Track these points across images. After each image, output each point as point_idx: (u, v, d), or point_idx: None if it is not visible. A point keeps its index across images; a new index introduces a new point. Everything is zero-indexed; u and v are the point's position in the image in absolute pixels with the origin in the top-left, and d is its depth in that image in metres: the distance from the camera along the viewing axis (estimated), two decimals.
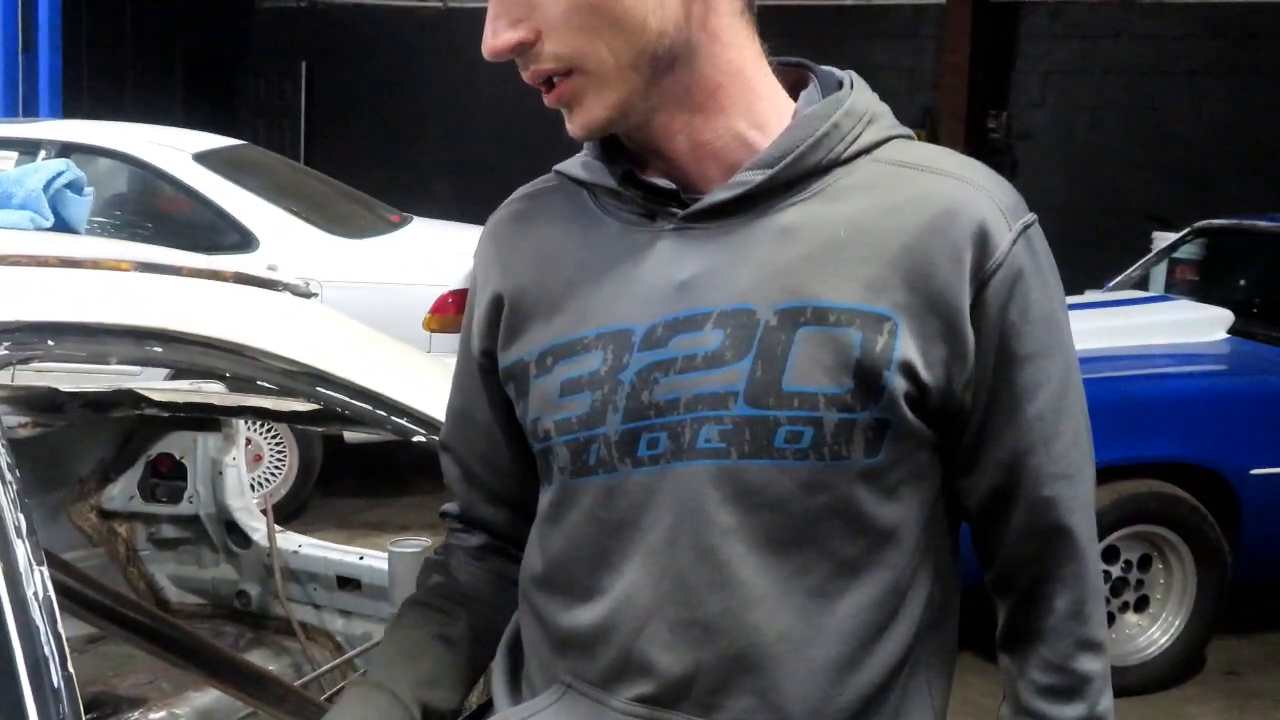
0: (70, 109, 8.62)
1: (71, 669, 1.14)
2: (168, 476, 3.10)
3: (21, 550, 1.16)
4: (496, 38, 1.10)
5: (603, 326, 1.15)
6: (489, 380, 1.29)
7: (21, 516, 1.17)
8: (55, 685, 1.13)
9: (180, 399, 2.80)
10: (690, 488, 1.11)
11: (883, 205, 1.12)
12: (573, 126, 1.13)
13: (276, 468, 5.39)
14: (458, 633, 1.32)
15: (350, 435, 5.24)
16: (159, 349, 1.42)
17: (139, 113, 6.69)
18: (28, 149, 5.63)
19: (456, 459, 1.36)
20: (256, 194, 5.62)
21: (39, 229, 1.60)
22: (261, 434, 5.33)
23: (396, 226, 6.11)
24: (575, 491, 1.17)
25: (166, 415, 2.78)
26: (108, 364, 1.40)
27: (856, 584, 1.12)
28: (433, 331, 5.18)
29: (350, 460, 5.45)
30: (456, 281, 5.33)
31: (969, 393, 1.12)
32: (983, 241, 1.09)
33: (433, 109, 11.07)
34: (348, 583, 2.86)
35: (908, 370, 1.08)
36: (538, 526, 1.25)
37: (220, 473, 3.06)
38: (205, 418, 2.96)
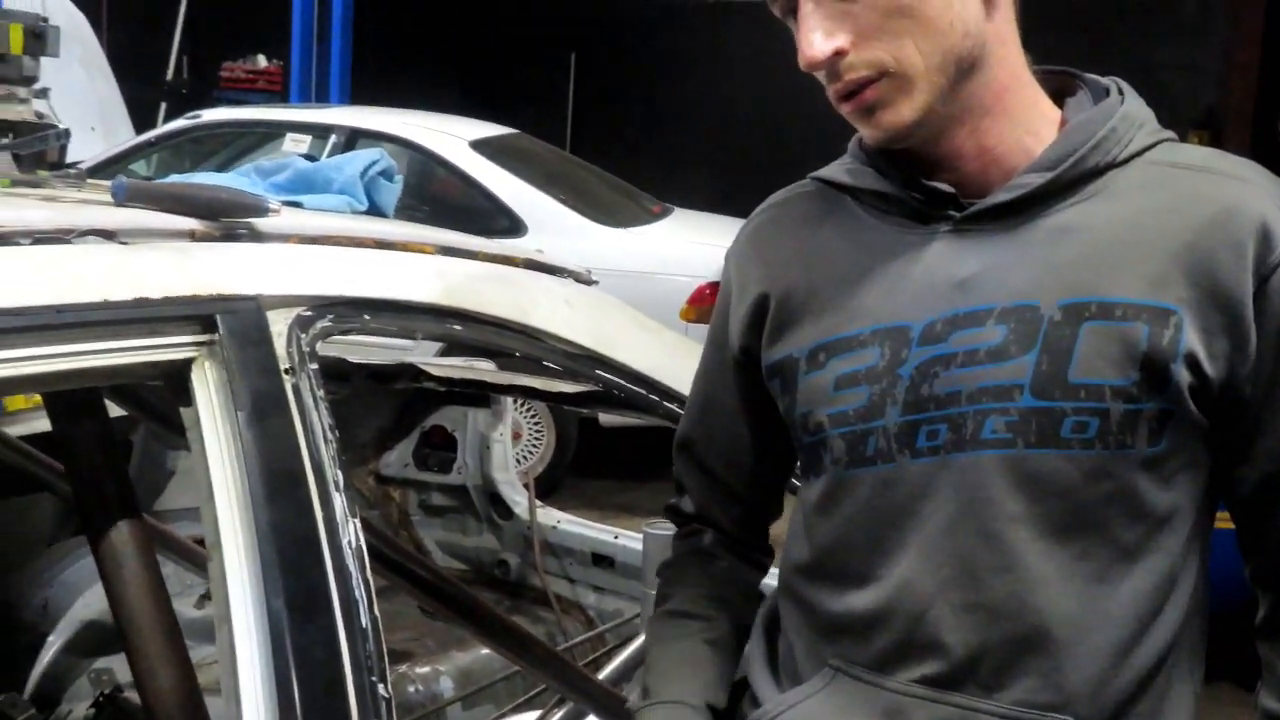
0: (356, 96, 9.13)
1: (378, 612, 1.26)
2: (439, 447, 3.29)
3: (340, 502, 1.28)
4: (814, 48, 1.14)
5: (878, 323, 1.20)
6: (744, 377, 1.34)
7: (340, 472, 1.30)
8: (363, 625, 1.25)
9: (455, 375, 2.97)
10: (975, 477, 1.15)
11: (1161, 204, 1.15)
12: (874, 131, 1.17)
13: (534, 446, 5.60)
14: (720, 636, 1.38)
15: (605, 418, 5.40)
16: (459, 327, 1.54)
17: (418, 100, 7.03)
18: (320, 133, 6.03)
19: (696, 457, 1.42)
20: (527, 181, 5.85)
21: (355, 212, 1.74)
22: (521, 413, 5.55)
23: (658, 217, 6.25)
24: (851, 482, 1.22)
25: (442, 390, 2.95)
26: (414, 339, 1.52)
27: (1135, 569, 1.15)
28: (689, 322, 5.28)
29: (604, 443, 5.61)
30: (714, 273, 5.42)
31: (1248, 385, 1.14)
32: (1265, 237, 1.12)
33: (696, 101, 11.20)
34: (602, 560, 2.98)
35: (1192, 363, 1.11)
36: (805, 517, 1.30)
37: (488, 447, 3.23)
38: (477, 394, 3.13)
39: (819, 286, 1.25)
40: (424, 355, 2.95)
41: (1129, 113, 1.19)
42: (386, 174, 1.76)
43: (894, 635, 1.20)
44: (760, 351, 1.30)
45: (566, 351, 1.65)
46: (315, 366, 1.34)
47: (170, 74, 10.18)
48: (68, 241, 1.29)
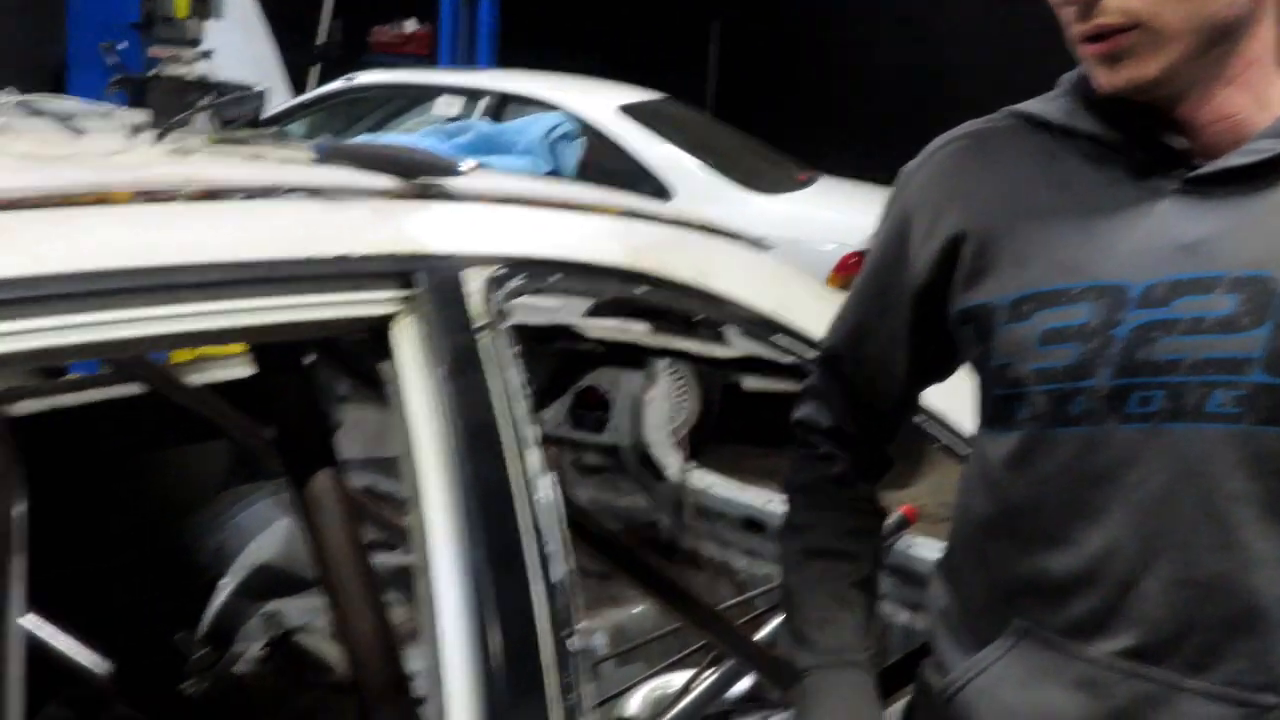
0: (503, 60, 9.21)
1: (571, 564, 1.29)
2: (593, 407, 3.34)
3: (534, 458, 1.31)
4: None
5: (1093, 280, 1.16)
6: (918, 310, 1.31)
7: (534, 429, 1.32)
8: (556, 580, 1.27)
9: (612, 336, 2.99)
10: (1196, 449, 1.12)
11: None
12: (1113, 79, 1.14)
13: (678, 409, 5.62)
14: (866, 575, 1.40)
15: (749, 383, 5.40)
16: (643, 290, 1.55)
17: (563, 64, 7.07)
18: (471, 96, 6.11)
19: (841, 373, 1.40)
20: (676, 145, 5.85)
21: (537, 173, 1.77)
22: (667, 376, 5.57)
23: (804, 184, 6.21)
24: (1051, 440, 1.19)
25: (598, 351, 2.98)
26: (600, 300, 1.54)
27: None
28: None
29: (746, 408, 5.61)
30: (860, 242, 5.38)
31: None
32: None
33: (840, 69, 11.06)
34: (753, 524, 2.98)
35: None
36: (989, 470, 1.26)
37: (641, 408, 3.26)
38: (632, 355, 3.15)
39: (1025, 232, 1.21)
40: (571, 315, 2.98)
41: None
42: (568, 136, 1.78)
43: (1093, 603, 1.17)
44: (949, 292, 1.27)
45: (746, 317, 1.66)
46: (508, 325, 1.37)
47: (322, 38, 10.38)
48: (276, 198, 1.33)
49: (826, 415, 1.42)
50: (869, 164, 7.20)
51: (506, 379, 1.33)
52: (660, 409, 3.29)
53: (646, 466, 3.24)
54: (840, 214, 5.72)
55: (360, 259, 1.30)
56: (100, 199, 1.20)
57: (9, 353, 1.07)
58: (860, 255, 5.35)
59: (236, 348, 5.69)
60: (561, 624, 1.26)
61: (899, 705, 1.45)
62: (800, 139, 8.35)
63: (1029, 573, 1.22)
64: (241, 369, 2.79)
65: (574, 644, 1.27)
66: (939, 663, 1.33)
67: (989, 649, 1.26)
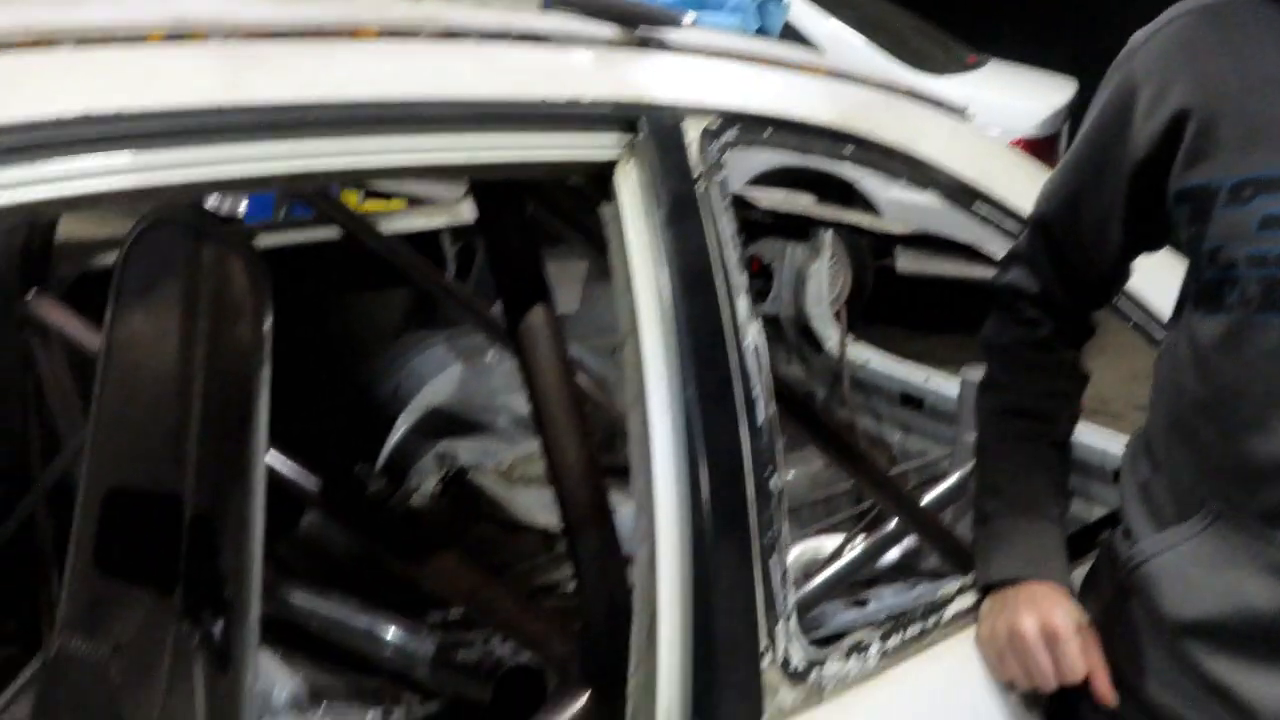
0: None
1: (774, 410, 1.34)
2: (756, 277, 3.37)
3: (743, 304, 1.35)
4: None
5: None
6: (1135, 183, 1.30)
7: (744, 278, 1.37)
8: (760, 422, 1.32)
9: (780, 207, 3.01)
10: None
11: None
12: None
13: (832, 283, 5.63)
14: (1063, 437, 1.43)
15: (902, 264, 5.37)
16: (850, 149, 1.57)
17: None
18: None
19: (1053, 239, 1.41)
20: (842, 21, 5.76)
21: (744, 31, 1.78)
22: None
23: (972, 67, 6.06)
24: (1259, 326, 1.20)
25: (766, 221, 3.00)
26: (808, 158, 1.56)
27: None
28: None
29: (896, 290, 5.58)
30: (1028, 129, 5.26)
31: None
32: None
33: None
34: (910, 400, 3.01)
35: None
36: (1197, 350, 1.27)
37: (803, 280, 3.28)
38: (797, 226, 3.16)
39: (1255, 114, 1.19)
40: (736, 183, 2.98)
41: None
42: None
43: None
44: (1169, 169, 1.26)
45: (949, 183, 1.66)
46: (723, 175, 1.40)
47: None
48: (507, 41, 1.37)
49: (1034, 281, 1.44)
50: (1040, 49, 6.98)
51: (720, 228, 1.37)
52: (822, 281, 3.31)
53: (806, 338, 3.28)
54: (1008, 99, 5.58)
55: (590, 103, 1.33)
56: (352, 33, 1.25)
57: (275, 174, 1.14)
58: (1026, 142, 5.23)
59: (398, 203, 5.82)
60: (764, 464, 1.31)
61: (1078, 572, 1.49)
62: (970, 21, 8.12)
63: (1232, 456, 1.23)
64: (410, 221, 2.88)
65: (775, 484, 1.32)
66: (1128, 531, 1.36)
67: (1181, 527, 1.28)
